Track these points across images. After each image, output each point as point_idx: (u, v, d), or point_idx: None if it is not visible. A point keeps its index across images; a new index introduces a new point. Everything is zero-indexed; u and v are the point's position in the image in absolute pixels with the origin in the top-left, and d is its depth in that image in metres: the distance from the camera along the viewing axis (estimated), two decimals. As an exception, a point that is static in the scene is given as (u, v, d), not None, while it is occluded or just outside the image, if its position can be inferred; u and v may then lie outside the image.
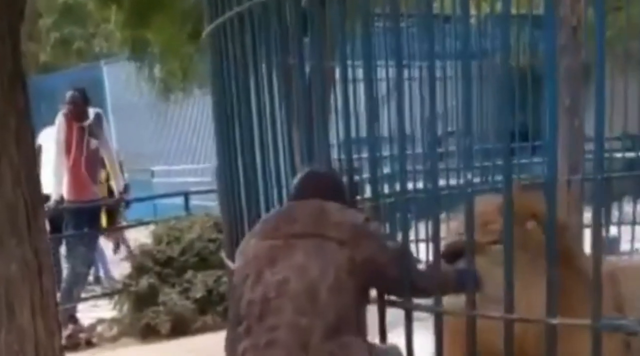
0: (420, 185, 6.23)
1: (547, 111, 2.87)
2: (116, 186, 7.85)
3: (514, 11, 6.69)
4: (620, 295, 3.17)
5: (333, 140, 4.41)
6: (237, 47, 3.63)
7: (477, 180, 6.33)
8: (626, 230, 6.45)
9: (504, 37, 2.92)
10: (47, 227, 3.72)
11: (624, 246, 6.43)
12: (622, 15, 7.24)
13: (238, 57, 3.64)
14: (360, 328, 2.73)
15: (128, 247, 9.25)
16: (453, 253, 2.98)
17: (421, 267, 3.05)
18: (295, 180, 3.06)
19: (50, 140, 7.43)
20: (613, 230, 6.55)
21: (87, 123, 7.17)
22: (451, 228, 3.15)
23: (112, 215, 9.23)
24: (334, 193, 2.95)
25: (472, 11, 6.80)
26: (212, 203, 9.19)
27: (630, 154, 6.94)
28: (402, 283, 2.87)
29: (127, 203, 8.77)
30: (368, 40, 3.38)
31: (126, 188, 9.65)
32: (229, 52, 3.73)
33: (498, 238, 2.85)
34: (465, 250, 2.83)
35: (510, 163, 2.90)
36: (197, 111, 16.05)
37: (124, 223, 10.16)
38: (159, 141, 18.22)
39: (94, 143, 7.19)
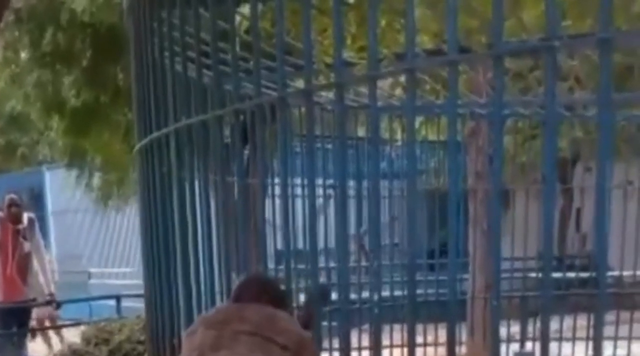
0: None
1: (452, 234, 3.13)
2: (46, 286, 7.92)
3: (437, 138, 7.12)
4: None
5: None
6: (163, 164, 3.92)
7: (399, 293, 6.60)
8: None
9: (410, 162, 3.27)
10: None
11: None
12: (538, 143, 7.70)
13: (164, 172, 3.92)
14: None
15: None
16: None
17: None
18: (240, 282, 3.28)
19: None
20: (528, 345, 6.83)
21: (22, 226, 7.34)
22: None
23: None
24: (275, 299, 3.15)
25: (399, 135, 7.24)
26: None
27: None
28: None
29: (59, 304, 8.80)
30: (285, 159, 3.71)
31: None
32: (155, 168, 4.02)
33: None
34: None
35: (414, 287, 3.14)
36: (134, 216, 16.19)
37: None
38: (97, 244, 18.28)
39: (27, 246, 7.35)
